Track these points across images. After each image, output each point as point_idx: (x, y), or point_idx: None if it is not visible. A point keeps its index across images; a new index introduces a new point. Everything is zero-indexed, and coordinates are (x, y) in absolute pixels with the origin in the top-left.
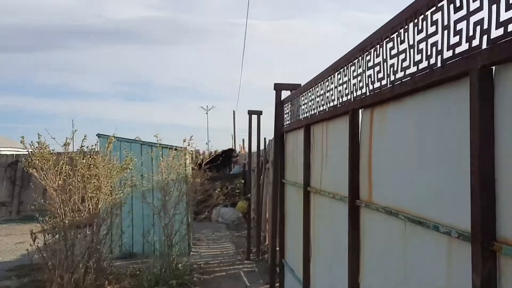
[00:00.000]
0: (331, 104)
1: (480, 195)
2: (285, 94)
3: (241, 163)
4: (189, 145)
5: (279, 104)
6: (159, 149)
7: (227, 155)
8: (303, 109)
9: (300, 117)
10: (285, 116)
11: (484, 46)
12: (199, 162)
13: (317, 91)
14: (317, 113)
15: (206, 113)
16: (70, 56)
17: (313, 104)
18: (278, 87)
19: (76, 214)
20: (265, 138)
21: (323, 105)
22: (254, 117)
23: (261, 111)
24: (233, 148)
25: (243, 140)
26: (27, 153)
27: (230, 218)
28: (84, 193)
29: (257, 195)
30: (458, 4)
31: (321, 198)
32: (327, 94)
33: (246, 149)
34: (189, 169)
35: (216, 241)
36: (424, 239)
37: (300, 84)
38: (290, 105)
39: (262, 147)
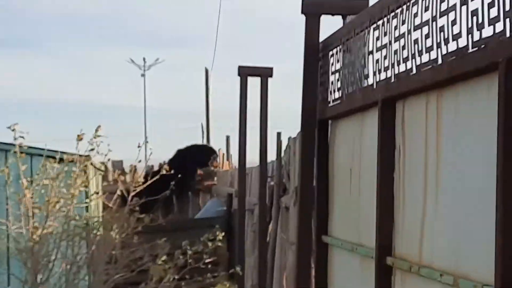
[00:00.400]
0: (452, 45)
1: None
2: (329, 29)
3: (221, 193)
4: (93, 149)
5: (315, 52)
6: (21, 157)
7: (191, 164)
8: (376, 60)
9: (370, 81)
10: (330, 79)
11: None
12: (118, 191)
13: (414, 14)
14: (415, 70)
15: (143, 75)
16: None
17: (403, 48)
18: (313, 8)
19: None
20: (279, 135)
21: (429, 50)
22: (254, 82)
23: (271, 70)
24: (205, 145)
25: (228, 138)
26: None
27: None
28: None
29: (259, 268)
30: None
31: (424, 285)
32: (441, 21)
33: (234, 162)
34: (96, 208)
35: None
36: None
37: (368, 1)
38: (342, 54)
39: (271, 155)
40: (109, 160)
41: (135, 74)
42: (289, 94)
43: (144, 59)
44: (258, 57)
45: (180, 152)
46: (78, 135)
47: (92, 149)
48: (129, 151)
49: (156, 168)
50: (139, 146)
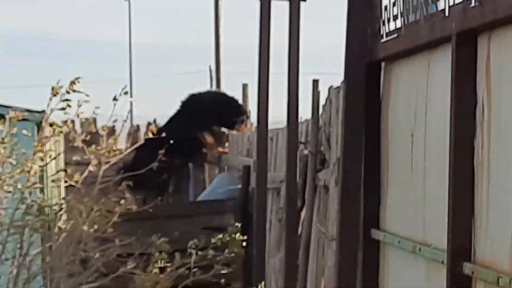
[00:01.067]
0: None
1: None
2: None
3: (234, 165)
4: (64, 108)
5: None
6: None
7: (207, 120)
8: None
9: (440, 6)
10: (383, 2)
11: None
12: (90, 165)
13: None
14: None
15: None
16: None
17: None
18: None
19: None
20: (316, 83)
21: None
22: (280, 9)
23: None
24: (233, 97)
25: (245, 87)
26: None
27: None
28: None
29: (286, 271)
30: None
31: None
32: None
33: (253, 121)
34: (57, 188)
35: None
36: None
37: None
38: None
39: (305, 112)
40: (69, 121)
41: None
42: (331, 26)
43: None
44: None
45: (192, 100)
46: (53, 88)
47: (64, 108)
48: (107, 103)
49: (144, 130)
50: (114, 99)
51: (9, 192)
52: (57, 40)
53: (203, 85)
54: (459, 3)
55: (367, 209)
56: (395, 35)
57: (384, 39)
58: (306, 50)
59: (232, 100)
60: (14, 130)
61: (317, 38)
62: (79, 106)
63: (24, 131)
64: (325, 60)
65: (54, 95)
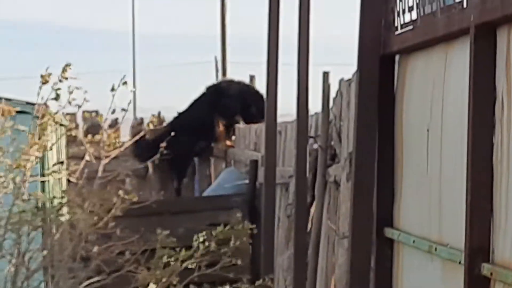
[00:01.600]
0: None
1: None
2: None
3: (241, 159)
4: (57, 97)
5: None
6: None
7: (231, 112)
8: None
9: None
10: None
11: None
12: (87, 156)
13: None
14: None
15: None
16: None
17: None
18: None
19: None
20: (326, 75)
21: None
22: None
23: None
24: (251, 87)
25: (252, 79)
26: None
27: None
28: None
29: (295, 270)
30: None
31: None
32: None
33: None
34: (58, 183)
35: None
36: None
37: None
38: None
39: (315, 105)
40: (67, 113)
41: None
42: (342, 16)
43: None
44: None
45: (220, 87)
46: (43, 76)
47: (56, 98)
48: (109, 95)
49: (147, 121)
50: (112, 89)
51: (5, 187)
52: (58, 30)
53: (209, 76)
54: None
55: (380, 206)
56: (411, 27)
57: (399, 31)
58: (316, 40)
59: (260, 96)
60: (10, 123)
61: (328, 28)
62: (70, 93)
63: (22, 125)
64: (336, 51)
65: (44, 83)
